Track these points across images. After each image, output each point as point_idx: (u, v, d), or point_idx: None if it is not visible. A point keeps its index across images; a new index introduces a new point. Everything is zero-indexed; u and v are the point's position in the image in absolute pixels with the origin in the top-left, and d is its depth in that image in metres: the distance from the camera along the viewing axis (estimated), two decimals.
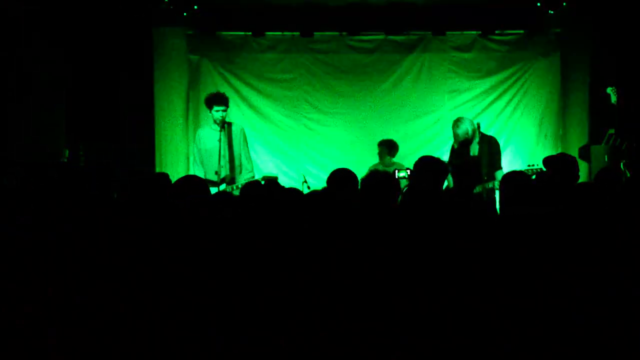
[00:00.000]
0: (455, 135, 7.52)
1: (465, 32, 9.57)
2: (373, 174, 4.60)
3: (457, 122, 7.57)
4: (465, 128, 7.47)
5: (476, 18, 9.46)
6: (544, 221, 3.66)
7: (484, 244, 3.33)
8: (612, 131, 8.29)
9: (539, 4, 8.44)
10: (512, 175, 4.60)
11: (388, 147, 8.90)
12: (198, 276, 3.06)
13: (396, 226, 3.51)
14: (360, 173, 8.76)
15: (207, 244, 3.28)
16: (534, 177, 6.47)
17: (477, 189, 7.14)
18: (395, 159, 8.92)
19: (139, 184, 4.02)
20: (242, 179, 7.49)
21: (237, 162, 7.58)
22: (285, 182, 9.13)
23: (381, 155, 8.91)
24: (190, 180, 4.16)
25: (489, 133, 8.44)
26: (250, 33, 9.56)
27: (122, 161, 8.40)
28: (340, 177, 4.89)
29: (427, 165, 5.09)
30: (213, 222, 3.73)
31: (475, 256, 3.21)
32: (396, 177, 5.62)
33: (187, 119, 9.78)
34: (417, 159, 5.39)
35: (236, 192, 7.23)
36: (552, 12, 8.66)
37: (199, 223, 3.66)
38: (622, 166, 7.84)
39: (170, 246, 3.27)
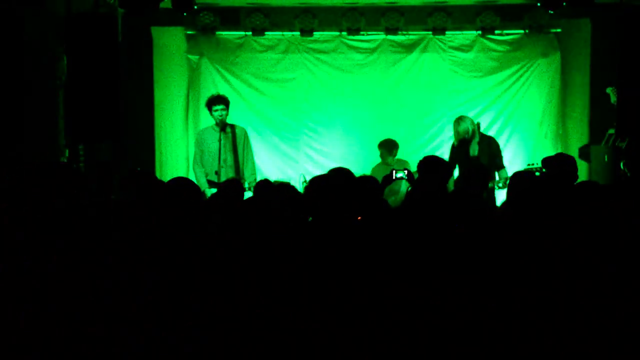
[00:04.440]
0: (456, 133, 7.53)
1: (465, 32, 9.58)
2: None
3: (459, 120, 7.59)
4: (466, 126, 7.48)
5: (476, 18, 9.47)
6: (544, 220, 3.66)
7: (485, 243, 3.33)
8: (612, 131, 8.28)
9: (539, 4, 8.43)
10: (520, 174, 4.60)
11: (388, 148, 8.91)
12: (199, 276, 3.06)
13: (401, 227, 3.51)
14: (361, 173, 8.79)
15: (208, 245, 3.28)
16: (537, 174, 6.48)
17: None
18: (398, 157, 8.93)
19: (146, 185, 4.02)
20: (246, 182, 7.54)
21: (241, 165, 7.62)
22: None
23: (383, 156, 8.92)
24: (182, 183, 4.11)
25: (489, 133, 8.44)
26: (250, 33, 9.57)
27: (122, 161, 8.39)
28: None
29: (431, 165, 5.09)
30: (213, 221, 3.73)
31: (477, 255, 3.21)
32: (393, 177, 5.63)
33: (187, 119, 9.78)
34: (418, 159, 5.40)
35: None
36: (552, 12, 8.65)
37: (199, 223, 3.66)
38: (622, 166, 7.84)
39: (170, 246, 3.27)
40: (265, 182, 5.29)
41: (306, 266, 3.11)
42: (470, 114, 8.78)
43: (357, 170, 8.67)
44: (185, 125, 9.77)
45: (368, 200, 4.37)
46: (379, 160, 8.98)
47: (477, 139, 7.54)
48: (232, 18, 9.52)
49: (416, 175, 5.42)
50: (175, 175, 9.39)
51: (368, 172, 8.87)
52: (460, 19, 9.49)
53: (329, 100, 9.78)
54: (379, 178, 5.29)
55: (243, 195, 5.33)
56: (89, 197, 4.11)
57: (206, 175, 7.65)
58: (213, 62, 9.70)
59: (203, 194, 7.53)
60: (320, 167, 9.46)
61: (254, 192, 5.24)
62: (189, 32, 9.59)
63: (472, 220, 3.66)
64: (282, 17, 9.51)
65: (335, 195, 3.75)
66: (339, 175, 4.76)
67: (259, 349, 2.83)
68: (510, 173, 6.58)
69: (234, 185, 5.59)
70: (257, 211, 3.46)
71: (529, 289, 3.04)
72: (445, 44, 9.63)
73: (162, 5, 8.04)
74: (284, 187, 4.07)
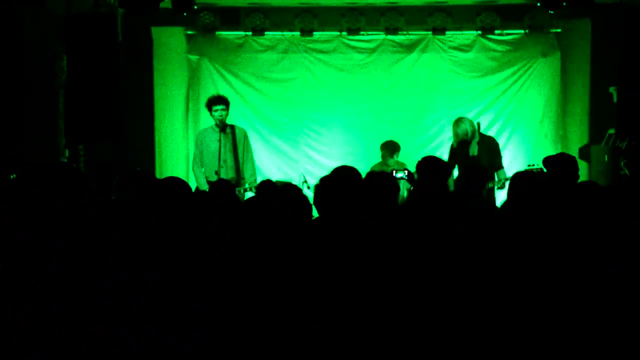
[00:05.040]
0: (455, 135, 7.53)
1: (465, 32, 9.58)
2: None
3: (457, 122, 7.58)
4: (465, 128, 7.48)
5: (476, 18, 9.47)
6: (544, 220, 3.66)
7: (485, 244, 3.33)
8: (612, 131, 8.28)
9: (539, 4, 8.43)
10: (521, 175, 4.59)
11: (390, 149, 8.91)
12: (199, 276, 3.06)
13: (401, 227, 3.51)
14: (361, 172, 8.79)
15: (208, 245, 3.28)
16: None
17: None
18: (399, 159, 8.93)
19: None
20: (246, 182, 7.56)
21: (240, 165, 7.63)
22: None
23: (384, 157, 8.92)
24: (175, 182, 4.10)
25: (489, 133, 8.43)
26: (250, 33, 9.57)
27: (122, 161, 8.39)
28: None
29: (430, 166, 5.08)
30: (213, 221, 3.73)
31: (477, 256, 3.21)
32: (394, 177, 5.63)
33: (187, 119, 9.78)
34: (417, 159, 5.39)
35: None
36: (552, 12, 8.65)
37: (199, 223, 3.66)
38: (622, 166, 7.84)
39: (170, 246, 3.27)
40: (268, 183, 5.30)
41: (306, 266, 3.11)
42: (470, 114, 8.79)
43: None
44: (185, 125, 9.77)
45: (384, 197, 4.34)
46: (379, 160, 8.98)
47: (477, 139, 7.54)
48: (232, 18, 9.53)
49: (416, 176, 5.42)
50: (175, 175, 9.42)
51: (366, 172, 8.86)
52: (460, 19, 9.49)
53: (329, 100, 9.78)
54: None
55: (234, 194, 5.34)
56: (89, 197, 4.12)
57: (206, 175, 7.65)
58: (213, 62, 9.70)
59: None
60: (320, 167, 9.46)
61: (256, 192, 5.25)
62: (189, 32, 9.59)
63: (472, 220, 3.66)
64: (282, 17, 9.51)
65: (341, 194, 3.75)
66: (346, 173, 4.75)
67: (259, 349, 2.83)
68: (510, 173, 6.58)
69: (224, 185, 5.59)
70: (258, 211, 3.46)
71: (529, 289, 3.04)
72: (445, 44, 9.63)
73: (162, 5, 8.05)
74: (287, 188, 4.07)
